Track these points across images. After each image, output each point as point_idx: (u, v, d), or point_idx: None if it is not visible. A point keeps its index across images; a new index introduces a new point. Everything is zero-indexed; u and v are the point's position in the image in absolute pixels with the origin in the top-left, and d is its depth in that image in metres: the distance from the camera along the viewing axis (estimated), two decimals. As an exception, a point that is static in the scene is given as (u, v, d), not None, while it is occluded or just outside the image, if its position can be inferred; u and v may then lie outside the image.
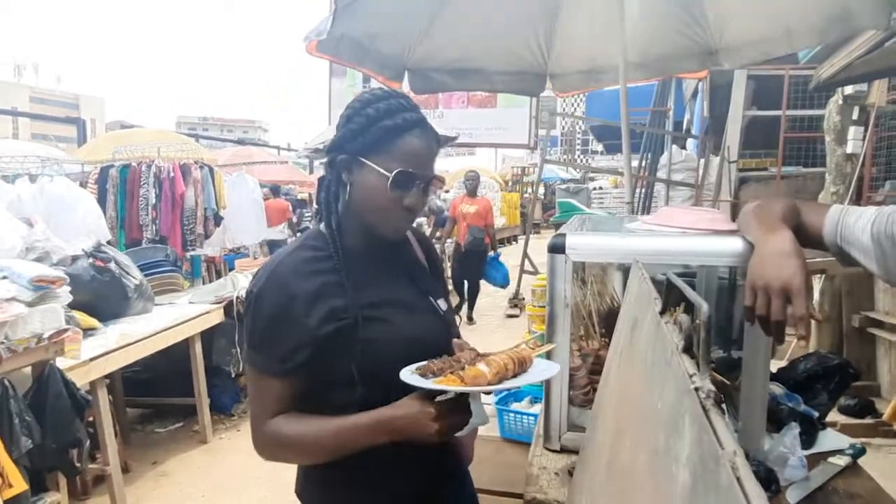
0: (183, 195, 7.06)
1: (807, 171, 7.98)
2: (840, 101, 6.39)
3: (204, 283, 7.42)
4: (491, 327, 8.96)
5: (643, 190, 9.89)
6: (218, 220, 7.66)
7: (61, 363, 3.25)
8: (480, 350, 1.37)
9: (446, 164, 23.91)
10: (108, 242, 5.27)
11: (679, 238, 1.74)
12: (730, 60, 3.78)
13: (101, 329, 4.07)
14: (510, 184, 25.97)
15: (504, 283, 9.11)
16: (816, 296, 5.71)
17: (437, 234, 10.11)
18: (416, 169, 1.37)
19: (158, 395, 5.33)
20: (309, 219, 13.17)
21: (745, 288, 1.31)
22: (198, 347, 4.81)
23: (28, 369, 3.12)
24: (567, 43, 3.98)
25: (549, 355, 1.71)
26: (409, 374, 1.25)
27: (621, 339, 1.31)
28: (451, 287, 9.01)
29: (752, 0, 3.40)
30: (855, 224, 1.39)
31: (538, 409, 2.38)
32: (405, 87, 3.85)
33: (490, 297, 9.94)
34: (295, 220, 12.30)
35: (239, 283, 5.43)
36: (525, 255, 9.37)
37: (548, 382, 1.80)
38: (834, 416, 4.85)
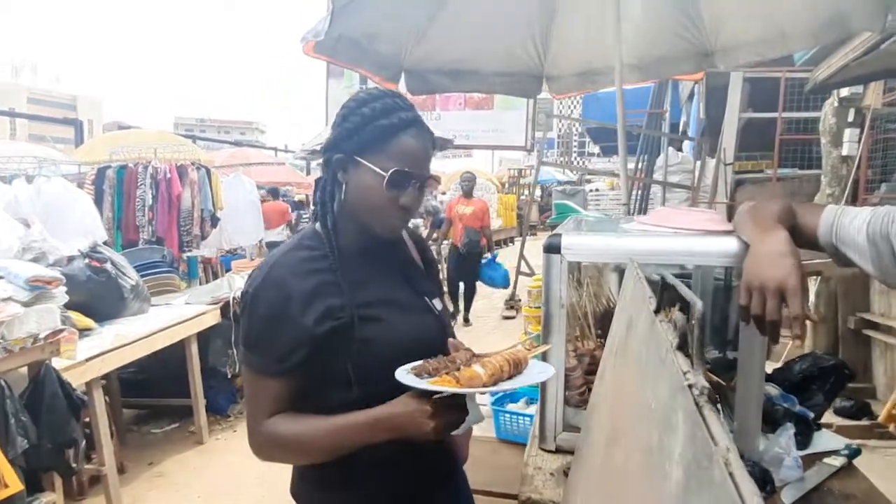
0: (179, 196, 7.06)
1: (803, 173, 7.99)
2: (835, 104, 6.40)
3: (201, 284, 7.41)
4: (487, 329, 8.96)
5: (640, 192, 9.90)
6: (214, 221, 7.66)
7: (57, 363, 3.25)
8: (476, 350, 1.37)
9: (443, 166, 23.94)
10: (105, 243, 5.28)
11: (674, 238, 1.75)
12: (725, 62, 3.79)
13: (97, 329, 4.07)
14: (507, 186, 26.00)
15: (505, 284, 9.11)
16: (812, 297, 5.73)
17: (434, 235, 10.11)
18: (412, 168, 1.37)
19: (155, 396, 5.33)
20: (307, 220, 13.16)
21: (740, 288, 1.31)
22: (194, 348, 4.81)
23: (24, 369, 3.12)
24: (563, 45, 3.99)
25: (544, 356, 1.72)
26: (404, 374, 1.25)
27: (616, 339, 1.32)
28: (445, 290, 9.01)
29: (747, 2, 3.41)
30: (850, 224, 1.39)
31: (534, 409, 2.38)
32: (402, 88, 3.86)
33: (486, 298, 9.94)
34: (294, 221, 12.30)
35: (235, 284, 5.43)
36: (521, 256, 9.37)
37: (543, 383, 1.80)
38: (830, 417, 4.86)
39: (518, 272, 9.25)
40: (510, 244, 19.67)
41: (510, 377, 1.28)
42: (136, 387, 5.17)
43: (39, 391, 3.07)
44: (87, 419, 3.70)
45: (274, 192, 13.19)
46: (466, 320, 9.16)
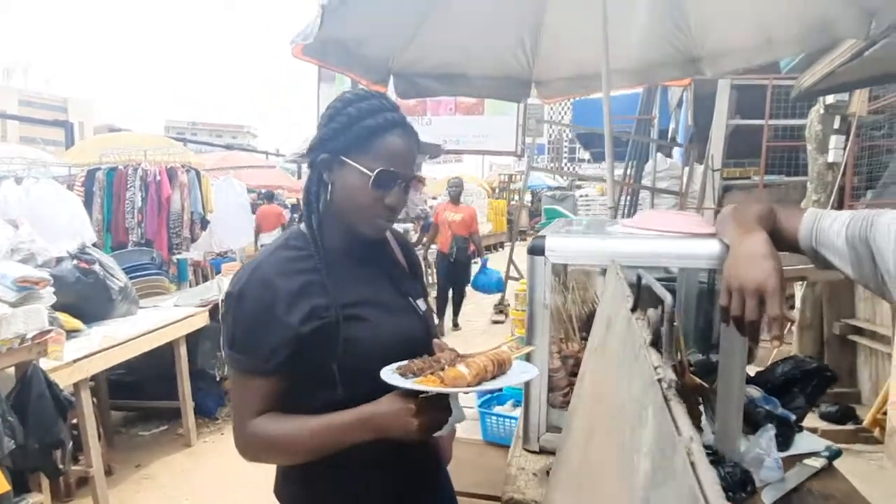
0: (169, 199, 7.06)
1: (789, 179, 8.05)
2: (821, 111, 6.45)
3: (191, 287, 7.41)
4: (476, 332, 8.97)
5: (628, 197, 9.94)
6: (204, 223, 7.67)
7: (45, 364, 3.25)
8: (462, 351, 1.38)
9: (434, 171, 23.95)
10: (94, 245, 5.27)
11: (657, 240, 1.76)
12: (712, 68, 3.82)
13: (85, 331, 4.07)
14: (497, 191, 26.06)
15: (499, 288, 9.07)
16: (798, 303, 5.76)
17: (424, 239, 10.11)
18: (398, 168, 1.39)
19: (143, 398, 5.32)
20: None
21: (720, 289, 1.33)
22: (182, 350, 4.80)
23: (11, 370, 3.13)
24: (552, 50, 4.00)
25: (528, 357, 1.73)
26: (389, 374, 1.26)
27: (596, 338, 1.33)
28: (431, 297, 9.00)
29: (733, 8, 3.43)
30: (830, 228, 1.41)
31: (520, 412, 2.39)
32: (391, 91, 3.87)
33: (475, 303, 9.95)
34: (288, 224, 12.33)
35: (224, 286, 5.42)
36: (511, 261, 9.38)
37: (527, 384, 1.81)
38: (815, 422, 4.90)
39: (507, 277, 9.25)
40: (500, 249, 19.69)
41: (494, 377, 1.29)
42: (124, 389, 5.15)
43: (26, 392, 3.07)
44: (75, 420, 3.69)
45: (269, 196, 13.22)
46: (455, 325, 9.15)
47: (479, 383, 1.24)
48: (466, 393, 1.27)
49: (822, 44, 3.49)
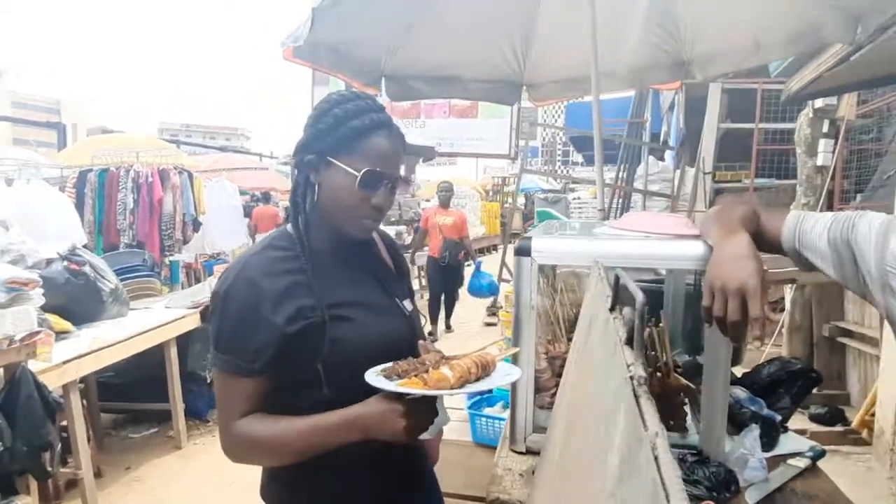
0: (161, 200, 7.05)
1: (780, 182, 8.08)
2: (810, 115, 6.48)
3: (183, 289, 7.40)
4: (469, 335, 8.96)
5: (620, 200, 9.97)
6: (197, 225, 7.66)
7: (34, 366, 3.24)
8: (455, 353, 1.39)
9: (427, 174, 23.95)
10: (86, 247, 5.27)
11: (643, 241, 1.77)
12: (702, 72, 3.84)
13: (75, 332, 4.06)
14: (490, 193, 26.08)
15: (491, 292, 8.96)
16: (787, 305, 5.79)
17: (410, 242, 10.08)
18: (384, 168, 1.39)
19: (133, 400, 5.31)
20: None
21: (703, 289, 1.34)
22: (173, 352, 4.79)
23: (0, 371, 3.11)
24: (543, 53, 4.02)
25: (514, 359, 1.74)
26: (373, 376, 1.27)
27: (579, 338, 1.34)
28: (423, 299, 8.97)
29: (722, 12, 3.46)
30: (812, 229, 1.42)
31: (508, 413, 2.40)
32: (382, 94, 3.88)
33: (468, 305, 9.96)
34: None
35: (216, 288, 5.42)
36: (503, 263, 9.38)
37: (514, 385, 1.82)
38: (805, 424, 4.92)
39: (500, 279, 9.25)
40: (493, 251, 19.70)
41: (478, 379, 1.30)
42: (114, 391, 5.13)
43: (15, 393, 3.06)
44: (64, 423, 3.68)
45: (266, 197, 13.23)
46: (448, 327, 9.15)
47: (462, 385, 1.25)
48: (451, 395, 1.27)
49: (810, 48, 3.52)
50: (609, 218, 8.27)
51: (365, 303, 1.47)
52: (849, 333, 5.29)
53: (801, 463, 1.80)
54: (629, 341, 0.77)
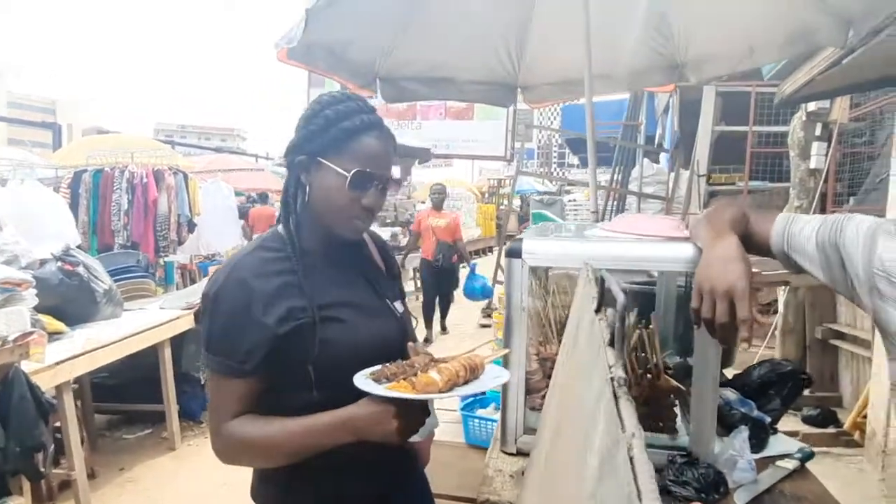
0: (156, 201, 7.05)
1: (773, 185, 8.11)
2: (804, 118, 6.52)
3: (178, 290, 7.39)
4: (465, 336, 8.95)
5: (615, 202, 9.99)
6: (191, 226, 7.66)
7: (27, 367, 3.23)
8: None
9: (423, 176, 23.96)
10: (80, 247, 5.26)
11: (633, 243, 1.78)
12: (695, 75, 3.85)
13: (68, 333, 4.06)
14: (486, 195, 26.10)
15: (484, 295, 8.93)
16: (781, 307, 5.81)
17: (404, 244, 10.04)
18: (374, 169, 1.40)
19: (127, 402, 5.30)
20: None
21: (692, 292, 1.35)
22: (167, 353, 4.78)
23: (-8, 372, 3.11)
24: (537, 55, 4.03)
25: (505, 360, 1.75)
26: (362, 380, 1.27)
27: (568, 339, 1.35)
28: (418, 301, 8.95)
29: (715, 16, 3.47)
30: (800, 232, 1.43)
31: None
32: (377, 95, 3.88)
33: (464, 307, 9.96)
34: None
35: (210, 289, 5.41)
36: (498, 265, 9.38)
37: (505, 387, 1.83)
38: (798, 425, 4.94)
39: (495, 281, 9.26)
40: (489, 253, 19.71)
41: (466, 382, 1.30)
42: (108, 392, 5.13)
43: (7, 394, 3.06)
44: (58, 423, 3.67)
45: (263, 198, 13.23)
46: (443, 328, 9.12)
47: (450, 389, 1.25)
48: (441, 399, 1.28)
49: (803, 51, 3.54)
50: (604, 220, 8.28)
51: (355, 304, 1.47)
52: (841, 336, 5.31)
53: (790, 464, 1.81)
54: (612, 343, 0.78)
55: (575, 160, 25.09)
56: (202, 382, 5.37)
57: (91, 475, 4.27)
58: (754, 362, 2.40)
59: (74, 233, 6.06)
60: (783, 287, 5.76)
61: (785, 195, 7.31)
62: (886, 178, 4.49)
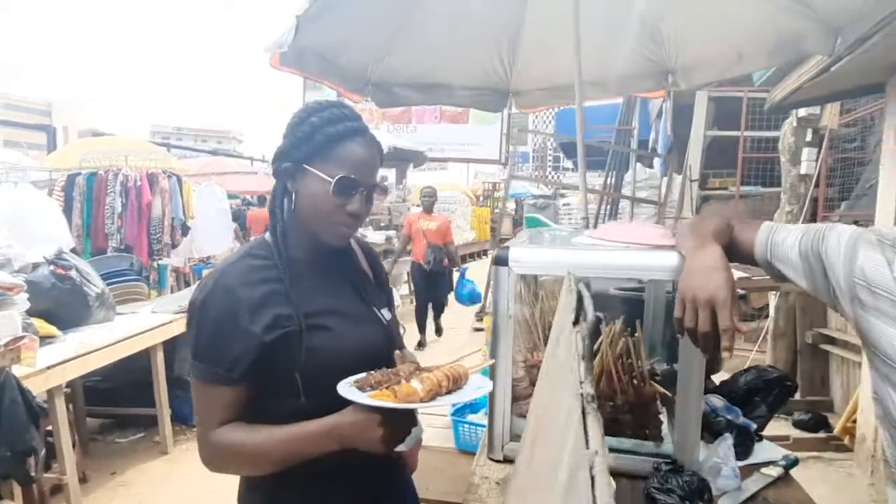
0: (150, 204, 7.06)
1: (765, 190, 8.15)
2: (794, 123, 6.56)
3: (172, 293, 7.40)
4: (459, 341, 8.95)
5: (608, 206, 10.02)
6: (185, 229, 7.65)
7: (18, 371, 3.23)
8: (443, 362, 1.40)
9: (418, 179, 23.98)
10: (73, 250, 5.25)
11: (619, 252, 1.80)
12: (686, 81, 3.86)
13: (61, 337, 4.05)
14: (481, 199, 26.11)
15: (471, 301, 8.85)
16: (772, 312, 5.83)
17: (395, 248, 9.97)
18: (359, 175, 1.40)
19: (120, 405, 5.29)
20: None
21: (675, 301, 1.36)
22: (159, 357, 4.78)
23: (-17, 377, 3.10)
24: (529, 60, 4.03)
25: (493, 368, 1.76)
26: (346, 388, 1.28)
27: (550, 349, 1.36)
28: (412, 304, 8.89)
29: (704, 23, 3.49)
30: (784, 241, 1.45)
31: (488, 420, 2.42)
32: (367, 99, 3.88)
33: (458, 312, 9.96)
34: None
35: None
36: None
37: (492, 395, 1.84)
38: (788, 430, 4.96)
39: (489, 284, 9.24)
40: (484, 257, 19.72)
41: (449, 392, 1.31)
42: (101, 395, 5.12)
43: (-2, 398, 3.06)
44: (50, 427, 3.67)
45: (262, 200, 13.26)
46: (438, 329, 9.03)
47: (433, 398, 1.26)
48: (423, 408, 1.29)
49: (791, 59, 3.56)
50: (597, 224, 8.30)
51: (342, 311, 1.48)
52: (832, 340, 5.33)
53: (775, 472, 1.83)
54: (585, 356, 0.79)
55: (570, 164, 25.14)
56: (194, 386, 5.36)
57: (83, 479, 4.27)
58: (745, 367, 2.43)
59: (67, 236, 6.05)
60: (774, 292, 5.79)
61: (777, 200, 7.34)
62: (876, 184, 4.52)
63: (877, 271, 1.27)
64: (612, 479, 1.44)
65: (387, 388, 1.26)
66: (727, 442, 1.78)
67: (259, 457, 1.35)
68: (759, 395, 2.18)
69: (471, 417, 2.69)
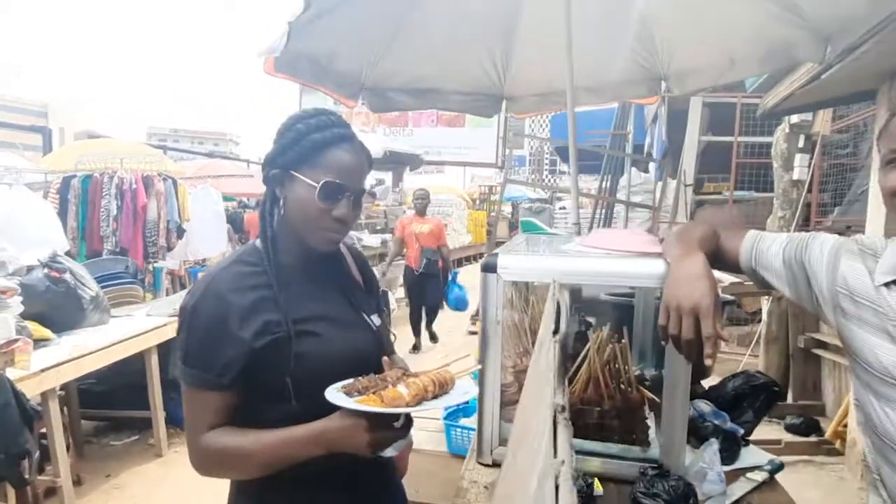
0: (145, 207, 7.06)
1: (759, 195, 8.18)
2: (787, 130, 6.60)
3: (167, 296, 7.39)
4: (455, 345, 8.93)
5: (603, 211, 10.04)
6: (181, 232, 7.66)
7: (12, 374, 3.24)
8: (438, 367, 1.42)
9: (415, 182, 23.99)
10: (68, 253, 5.26)
11: (606, 259, 1.82)
12: (679, 87, 3.88)
13: (55, 340, 4.06)
14: (477, 202, 26.12)
15: (458, 306, 8.58)
16: (765, 317, 5.86)
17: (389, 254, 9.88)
18: (345, 180, 1.42)
19: (114, 408, 5.30)
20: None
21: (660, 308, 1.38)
22: (154, 360, 4.79)
23: (-24, 380, 3.11)
24: (522, 66, 4.05)
25: (481, 373, 1.78)
26: (333, 393, 1.30)
27: (534, 356, 1.38)
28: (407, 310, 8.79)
29: (697, 30, 3.50)
30: (768, 249, 1.47)
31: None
32: (359, 102, 3.89)
33: (454, 316, 9.95)
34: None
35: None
36: (487, 272, 9.30)
37: (481, 400, 1.86)
38: (780, 434, 4.98)
39: (484, 289, 9.17)
40: (480, 260, 19.70)
41: (435, 397, 1.33)
42: (95, 398, 5.13)
43: (-8, 401, 3.07)
44: (44, 430, 3.68)
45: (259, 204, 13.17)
46: (432, 337, 8.84)
47: (418, 403, 1.28)
48: (410, 412, 1.30)
49: (782, 66, 3.58)
50: (592, 228, 8.32)
51: (331, 317, 1.50)
52: (824, 345, 5.35)
53: (760, 476, 1.85)
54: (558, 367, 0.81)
55: (566, 168, 25.12)
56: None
57: (77, 482, 4.27)
58: (739, 369, 2.46)
59: (62, 239, 6.06)
60: (767, 297, 5.82)
61: (770, 205, 7.38)
62: (868, 190, 4.55)
63: (858, 280, 1.29)
64: (599, 483, 1.46)
65: (374, 392, 1.28)
66: (713, 447, 1.79)
67: (247, 461, 1.36)
68: (747, 401, 2.20)
69: (463, 422, 2.70)
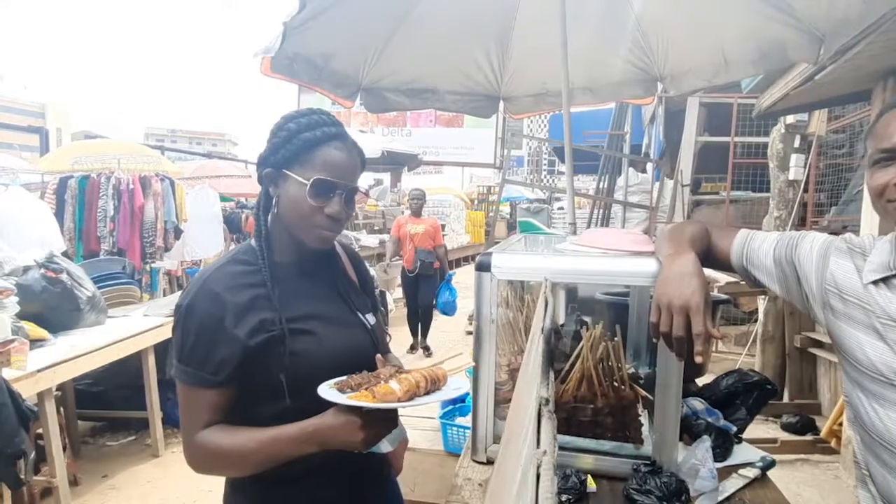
0: (142, 207, 7.06)
1: (756, 195, 8.21)
2: (782, 130, 6.61)
3: (165, 296, 7.40)
4: (452, 344, 8.92)
5: (601, 210, 10.06)
6: (178, 233, 7.66)
7: (8, 374, 3.24)
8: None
9: (414, 182, 23.99)
10: (65, 254, 5.26)
11: (598, 258, 1.83)
12: (674, 87, 3.89)
13: (51, 340, 4.05)
14: (476, 202, 26.14)
15: (445, 310, 8.40)
16: (761, 316, 5.87)
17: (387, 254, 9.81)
18: (336, 178, 1.43)
19: (111, 408, 5.30)
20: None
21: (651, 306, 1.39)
22: (150, 360, 4.80)
23: (-27, 380, 3.11)
24: (519, 66, 4.06)
25: (475, 371, 1.79)
26: (326, 389, 1.31)
27: (526, 354, 1.39)
28: (405, 313, 8.71)
29: (691, 29, 3.52)
30: (759, 248, 1.49)
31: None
32: (356, 103, 3.90)
33: (453, 317, 9.95)
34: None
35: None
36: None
37: (475, 397, 1.87)
38: (776, 432, 4.99)
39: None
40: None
41: (427, 393, 1.34)
42: (92, 398, 5.13)
43: (-12, 401, 3.07)
44: (40, 430, 3.68)
45: (258, 204, 13.15)
46: (426, 349, 8.41)
47: (411, 399, 1.29)
48: (405, 408, 1.31)
49: (777, 66, 3.59)
50: (589, 228, 8.34)
51: (326, 316, 1.51)
52: (819, 344, 5.37)
53: (752, 473, 1.86)
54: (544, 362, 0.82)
55: (564, 168, 25.15)
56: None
57: (74, 482, 4.28)
58: (736, 367, 2.47)
59: (59, 239, 6.06)
60: (763, 296, 5.84)
61: (767, 205, 7.40)
62: (863, 189, 4.57)
63: (847, 278, 1.30)
64: (592, 480, 1.47)
65: (366, 389, 1.29)
66: (705, 444, 1.80)
67: (241, 458, 1.37)
68: (740, 399, 2.21)
69: (459, 420, 2.72)
